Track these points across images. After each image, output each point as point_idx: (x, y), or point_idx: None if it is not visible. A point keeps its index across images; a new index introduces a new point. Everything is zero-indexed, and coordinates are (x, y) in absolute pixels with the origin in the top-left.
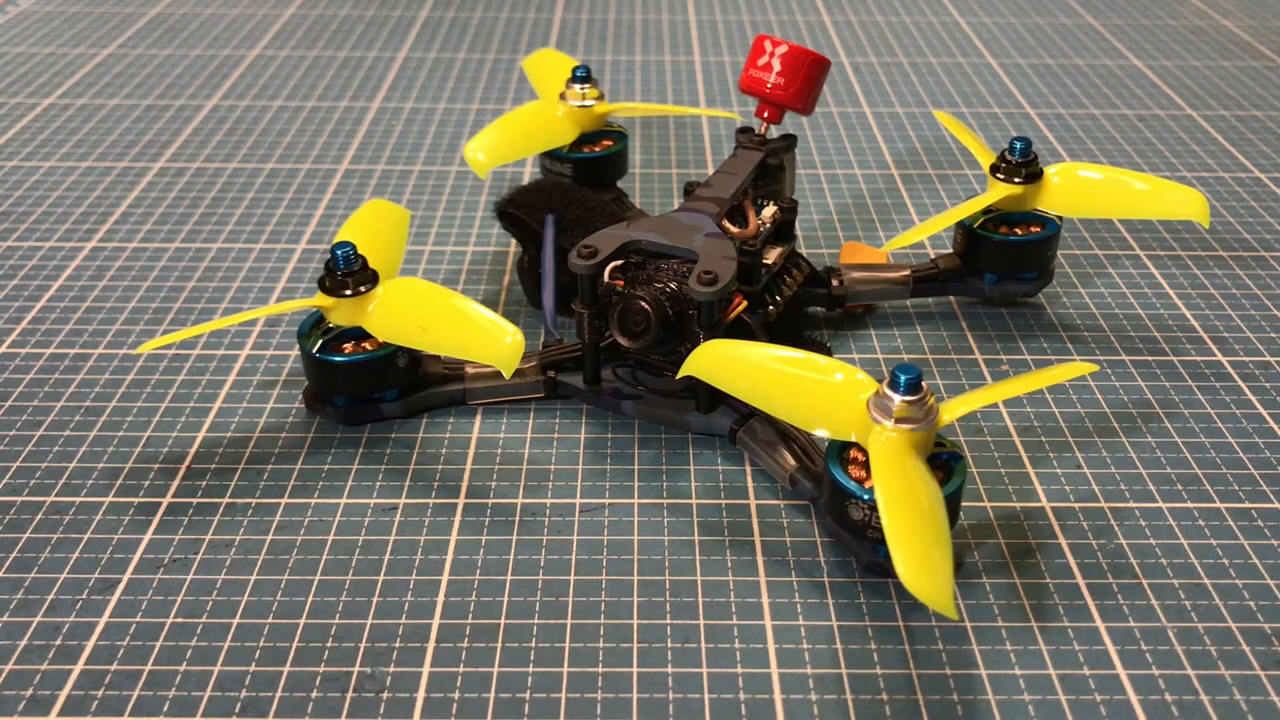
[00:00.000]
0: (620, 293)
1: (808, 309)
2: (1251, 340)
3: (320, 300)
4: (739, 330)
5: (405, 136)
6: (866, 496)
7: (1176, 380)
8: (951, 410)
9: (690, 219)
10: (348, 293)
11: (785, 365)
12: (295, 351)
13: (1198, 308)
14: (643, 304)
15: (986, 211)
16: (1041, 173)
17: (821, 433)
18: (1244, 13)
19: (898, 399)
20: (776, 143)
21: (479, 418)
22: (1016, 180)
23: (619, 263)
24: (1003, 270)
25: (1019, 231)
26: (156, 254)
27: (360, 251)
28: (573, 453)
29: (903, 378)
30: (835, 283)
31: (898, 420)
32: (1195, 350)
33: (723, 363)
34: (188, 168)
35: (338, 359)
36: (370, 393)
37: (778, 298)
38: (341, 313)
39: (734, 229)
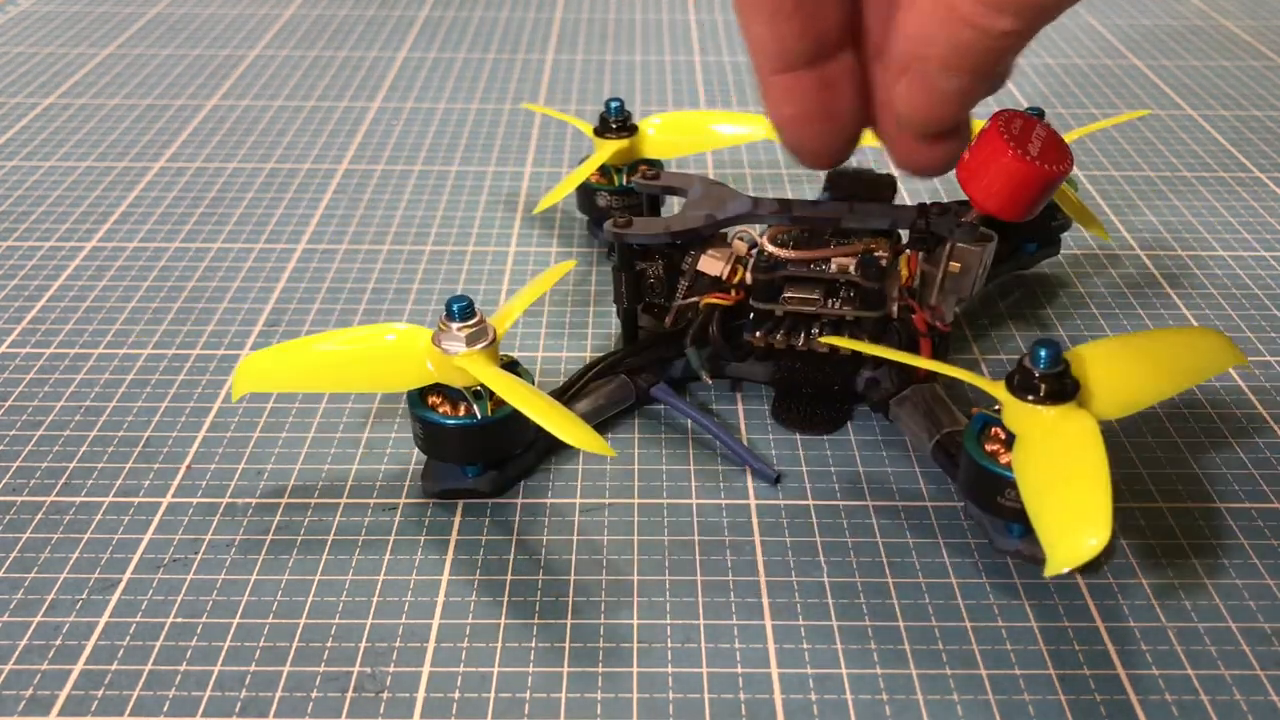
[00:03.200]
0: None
1: None
2: (1251, 340)
3: None
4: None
5: (405, 136)
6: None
7: None
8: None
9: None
10: None
11: None
12: None
13: (1198, 308)
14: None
15: None
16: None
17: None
18: (1244, 13)
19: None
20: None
21: None
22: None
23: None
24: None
25: None
26: (156, 254)
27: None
28: (573, 452)
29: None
30: None
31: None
32: None
33: None
34: (188, 168)
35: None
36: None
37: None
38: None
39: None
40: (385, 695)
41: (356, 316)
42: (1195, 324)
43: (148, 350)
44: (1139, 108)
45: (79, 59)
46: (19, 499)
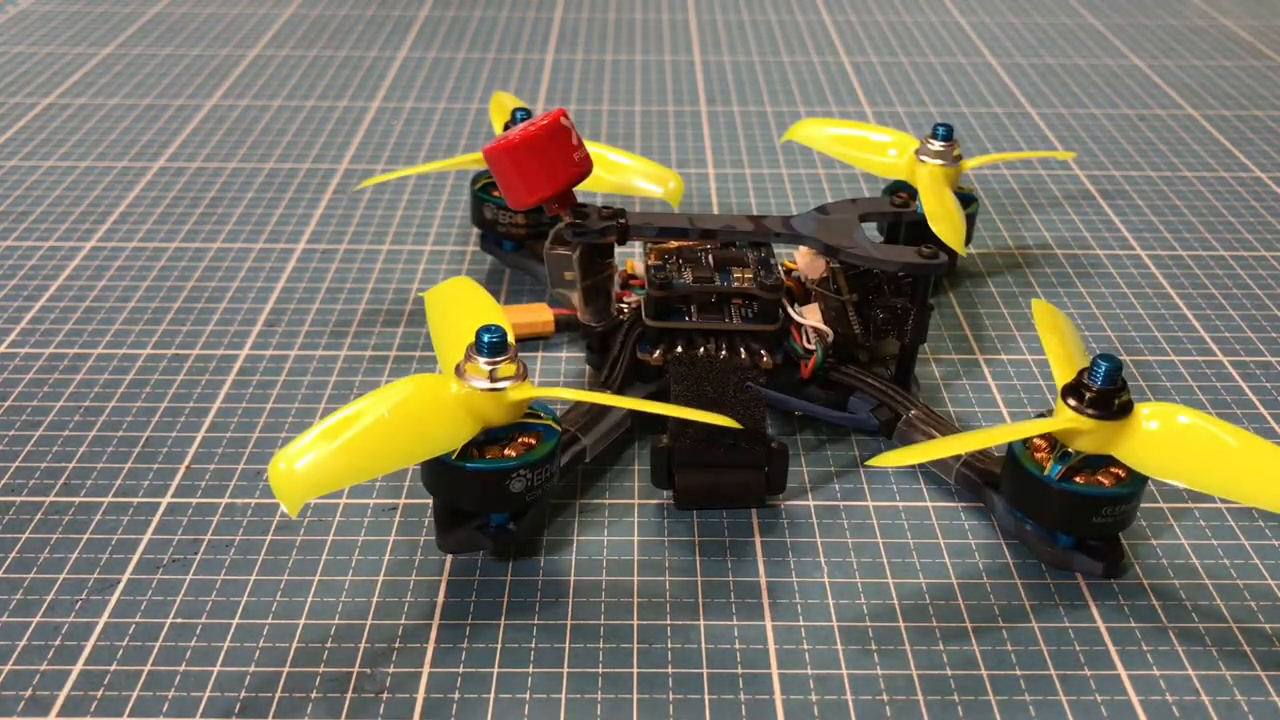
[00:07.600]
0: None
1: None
2: (1252, 340)
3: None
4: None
5: (405, 136)
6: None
7: (1177, 380)
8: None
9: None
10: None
11: None
12: (295, 351)
13: (1198, 308)
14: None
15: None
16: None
17: None
18: (1245, 12)
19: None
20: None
21: None
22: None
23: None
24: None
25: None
26: (156, 254)
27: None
28: None
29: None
30: None
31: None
32: (1195, 350)
33: None
34: (188, 167)
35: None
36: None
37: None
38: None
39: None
40: (385, 695)
41: (356, 316)
42: (1194, 322)
43: (147, 350)
44: (1139, 107)
45: (79, 59)
46: (18, 499)
